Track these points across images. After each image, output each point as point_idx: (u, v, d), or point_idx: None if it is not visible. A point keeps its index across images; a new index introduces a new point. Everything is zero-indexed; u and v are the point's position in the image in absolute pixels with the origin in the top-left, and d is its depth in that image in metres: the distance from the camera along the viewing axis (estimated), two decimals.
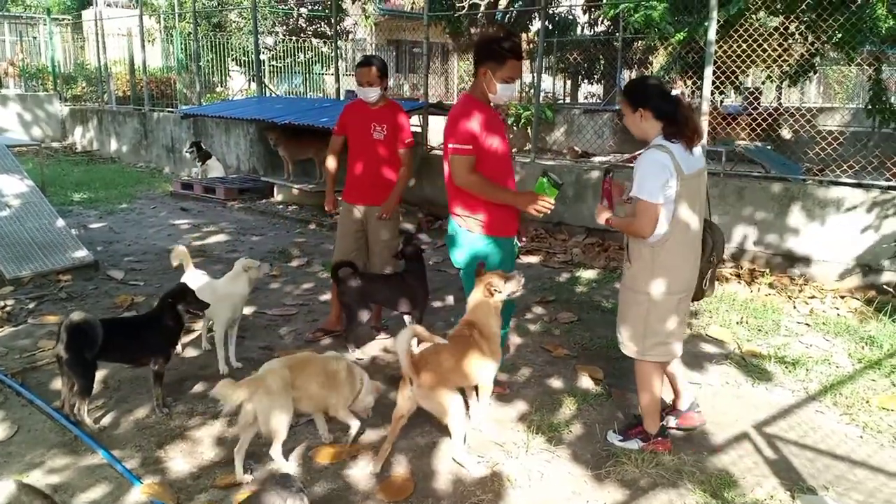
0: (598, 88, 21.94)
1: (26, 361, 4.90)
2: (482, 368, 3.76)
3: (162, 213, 10.50)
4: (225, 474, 3.54)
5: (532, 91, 16.44)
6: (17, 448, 3.77)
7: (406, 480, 3.52)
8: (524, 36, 20.28)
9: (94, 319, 3.95)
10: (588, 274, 7.32)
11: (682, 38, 9.24)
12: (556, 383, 4.69)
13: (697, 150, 3.54)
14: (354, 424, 3.88)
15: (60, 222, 7.54)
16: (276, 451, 3.59)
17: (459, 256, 4.14)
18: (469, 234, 4.03)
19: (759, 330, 5.71)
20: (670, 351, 3.70)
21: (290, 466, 3.65)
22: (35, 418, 4.08)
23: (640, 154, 3.54)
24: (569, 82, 21.44)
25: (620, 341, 3.82)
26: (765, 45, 8.20)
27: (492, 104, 3.99)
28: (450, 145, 3.86)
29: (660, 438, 3.80)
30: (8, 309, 5.88)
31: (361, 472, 3.59)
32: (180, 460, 3.68)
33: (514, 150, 11.33)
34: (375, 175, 5.24)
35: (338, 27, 15.24)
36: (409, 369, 3.46)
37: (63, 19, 21.79)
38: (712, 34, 7.48)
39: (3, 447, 3.79)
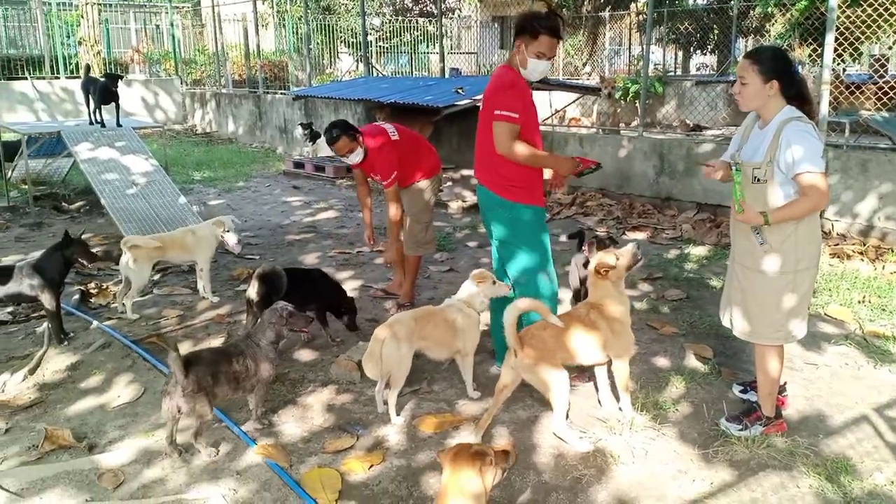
0: (710, 59, 21.08)
1: (152, 328, 5.22)
2: (599, 349, 3.70)
3: (276, 190, 10.91)
4: (333, 439, 3.68)
5: (640, 63, 15.99)
6: (144, 409, 4.04)
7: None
8: (633, 6, 19.76)
9: (281, 270, 4.74)
10: (698, 250, 7.11)
11: (803, 6, 8.77)
12: (662, 361, 4.60)
13: None
14: (469, 377, 4.18)
15: (182, 199, 7.95)
16: (392, 397, 3.86)
17: (506, 228, 4.14)
18: (515, 204, 4.06)
19: (883, 310, 5.39)
20: (804, 326, 3.57)
21: (400, 420, 3.85)
22: (160, 381, 4.33)
23: (784, 128, 3.28)
24: (679, 53, 20.69)
25: (751, 331, 3.58)
26: (892, 10, 7.66)
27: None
28: (496, 111, 3.86)
29: (776, 420, 3.67)
30: None
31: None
32: (292, 425, 3.84)
33: (620, 125, 11.08)
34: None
35: (443, 5, 15.27)
36: (513, 342, 3.48)
37: (183, 7, 22.82)
38: (834, 0, 7.06)
39: (131, 408, 4.07)
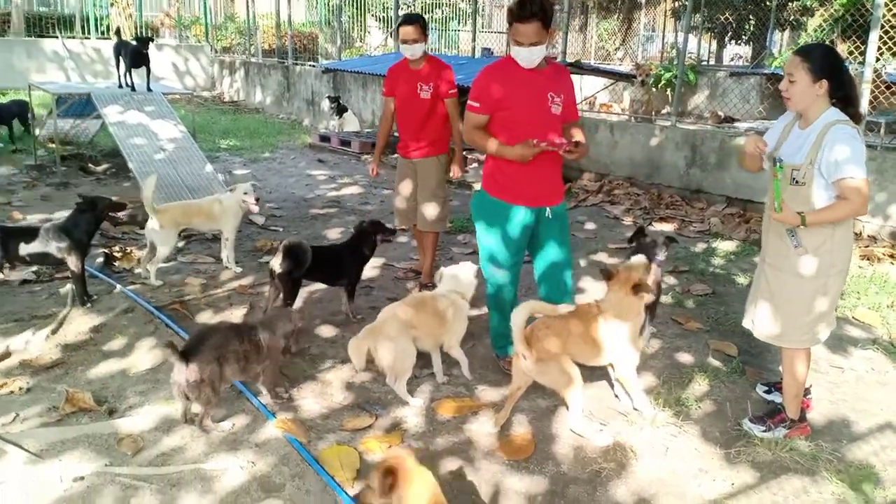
0: (744, 50, 20.74)
1: (175, 295, 5.23)
2: (609, 348, 3.64)
3: (301, 163, 10.89)
4: (351, 417, 3.67)
5: (674, 51, 15.75)
6: (165, 376, 4.02)
7: (526, 441, 3.53)
8: None
9: (306, 244, 4.65)
10: (726, 245, 7.01)
11: (845, 1, 8.58)
12: (685, 357, 4.54)
13: None
14: (464, 361, 4.18)
15: (209, 168, 7.95)
16: (400, 386, 3.85)
17: (472, 210, 4.21)
18: (482, 191, 4.09)
19: None
20: (830, 330, 3.51)
21: (416, 402, 3.82)
22: None
23: (829, 130, 3.17)
24: (714, 42, 20.36)
25: (778, 334, 3.52)
26: None
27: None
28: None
29: (800, 423, 3.61)
30: None
31: (482, 428, 3.63)
32: (311, 400, 3.84)
33: (652, 114, 10.93)
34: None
35: None
36: (521, 345, 3.43)
37: None
38: None
39: (152, 374, 4.09)
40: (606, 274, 3.70)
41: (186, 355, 3.33)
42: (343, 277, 4.91)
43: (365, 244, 4.93)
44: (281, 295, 4.62)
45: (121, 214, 5.21)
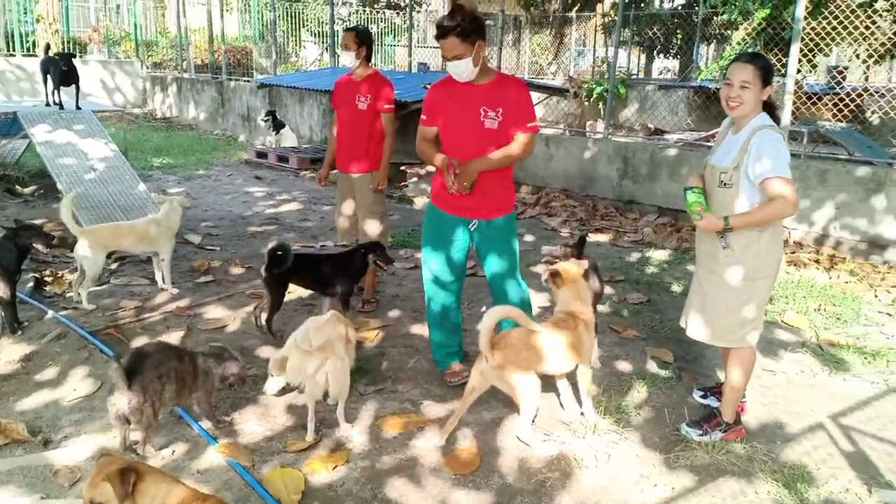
0: (672, 63, 21.36)
1: (109, 319, 5.09)
2: (572, 356, 3.69)
3: (237, 180, 10.74)
4: (295, 440, 3.63)
5: (605, 65, 16.12)
6: (101, 403, 3.92)
7: (472, 455, 3.55)
8: (598, 8, 19.90)
9: (289, 246, 4.78)
10: (659, 254, 7.19)
11: (765, 14, 8.93)
12: (624, 365, 4.64)
13: None
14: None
15: (142, 187, 7.78)
16: (340, 408, 3.78)
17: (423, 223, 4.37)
18: (429, 203, 4.31)
19: (838, 318, 5.52)
20: (759, 334, 3.64)
21: (348, 426, 3.77)
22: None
23: (755, 135, 3.33)
24: (643, 56, 20.92)
25: (708, 335, 3.65)
26: (853, 19, 7.80)
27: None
28: None
29: (735, 426, 3.73)
30: None
31: (428, 444, 3.64)
32: (254, 423, 3.79)
33: (586, 127, 11.16)
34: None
35: None
36: (486, 347, 3.47)
37: None
38: (801, 10, 7.19)
39: (87, 402, 3.97)
40: (553, 273, 3.81)
41: (128, 375, 3.23)
42: (335, 286, 5.02)
43: (362, 258, 5.06)
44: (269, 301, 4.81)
45: (48, 243, 4.94)
